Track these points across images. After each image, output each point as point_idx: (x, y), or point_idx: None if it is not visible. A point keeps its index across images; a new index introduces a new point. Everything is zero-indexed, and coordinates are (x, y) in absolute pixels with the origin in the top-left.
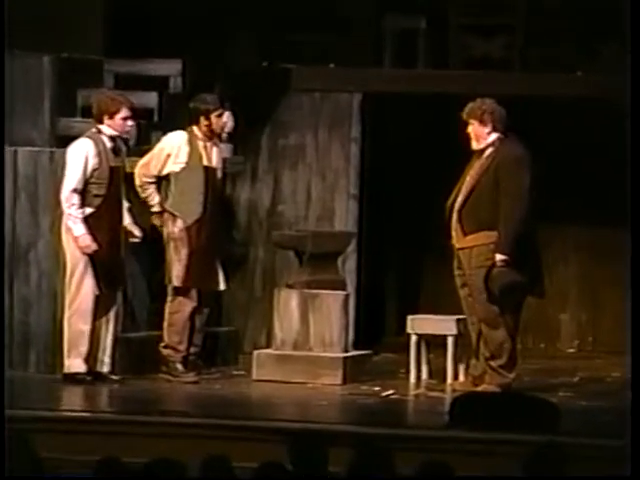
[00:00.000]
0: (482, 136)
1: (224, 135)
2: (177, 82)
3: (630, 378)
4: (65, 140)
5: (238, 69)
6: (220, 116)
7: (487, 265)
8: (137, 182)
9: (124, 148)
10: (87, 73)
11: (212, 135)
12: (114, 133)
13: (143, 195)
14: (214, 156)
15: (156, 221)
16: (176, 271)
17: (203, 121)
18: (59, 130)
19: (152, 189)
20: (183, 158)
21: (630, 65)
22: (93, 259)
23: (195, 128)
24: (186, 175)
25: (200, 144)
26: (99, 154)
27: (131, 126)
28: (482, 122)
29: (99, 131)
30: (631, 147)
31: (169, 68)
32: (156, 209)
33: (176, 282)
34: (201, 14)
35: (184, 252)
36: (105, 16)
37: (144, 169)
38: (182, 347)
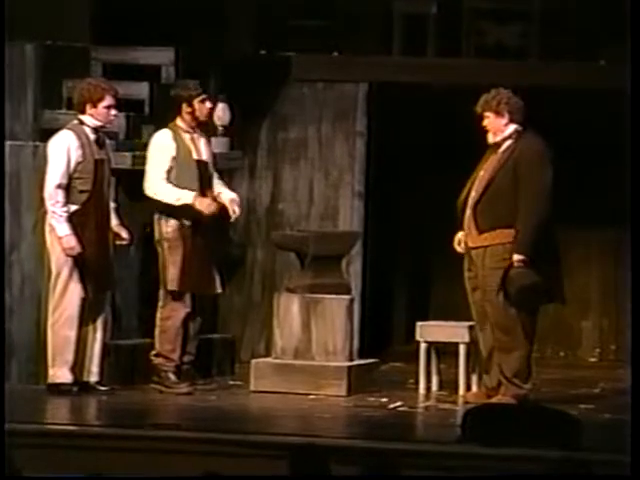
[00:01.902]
0: (499, 128)
1: (219, 129)
2: (169, 72)
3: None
4: (49, 133)
5: (234, 58)
6: (203, 102)
7: (501, 266)
8: (158, 194)
9: (108, 141)
10: (73, 62)
11: (197, 124)
12: (97, 123)
13: (172, 198)
14: (203, 148)
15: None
16: (171, 274)
17: (186, 108)
18: (43, 123)
19: (170, 187)
20: (173, 154)
21: (630, 64)
22: (80, 260)
23: (178, 120)
24: (178, 172)
25: (187, 137)
26: (82, 146)
27: (115, 115)
28: (498, 113)
29: (81, 122)
30: (631, 146)
31: (161, 57)
32: (191, 199)
33: (171, 286)
34: None
35: (179, 254)
36: (92, 1)
37: (153, 175)
38: (175, 356)
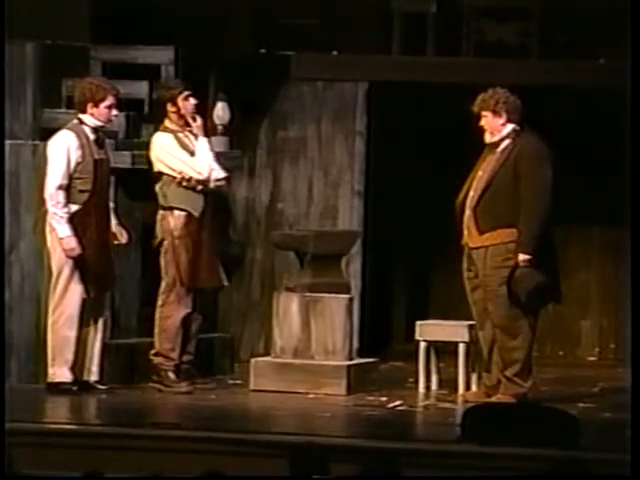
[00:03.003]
0: (497, 128)
1: (219, 128)
2: (169, 71)
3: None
4: (49, 132)
5: (234, 57)
6: (187, 99)
7: (505, 266)
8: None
9: (108, 140)
10: (72, 61)
11: (183, 122)
12: (98, 123)
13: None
14: (196, 145)
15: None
16: (179, 270)
17: (170, 108)
18: (42, 122)
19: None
20: (180, 154)
21: (630, 62)
22: (81, 260)
23: (166, 121)
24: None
25: (181, 136)
26: (82, 146)
27: (116, 115)
28: (496, 113)
29: (81, 122)
30: (631, 145)
31: (160, 56)
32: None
33: (185, 281)
34: None
35: (189, 248)
36: (92, 0)
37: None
38: (174, 355)
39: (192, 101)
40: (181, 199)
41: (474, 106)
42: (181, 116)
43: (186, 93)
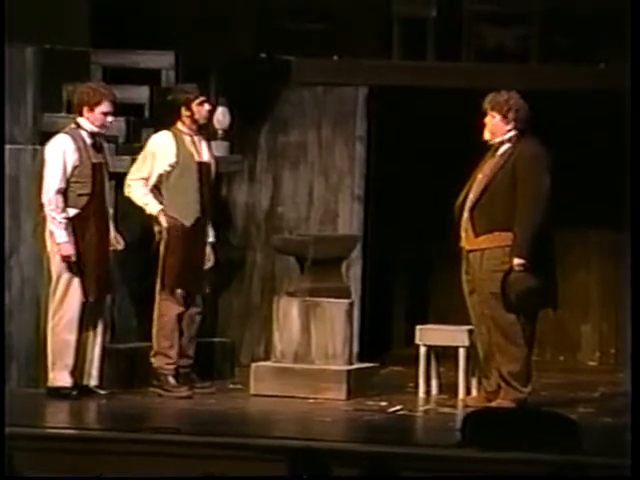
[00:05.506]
0: (500, 131)
1: (219, 132)
2: (169, 76)
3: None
4: (49, 137)
5: (234, 61)
6: (202, 104)
7: (500, 269)
8: (131, 194)
9: (107, 144)
10: (73, 66)
11: (196, 127)
12: (93, 128)
13: (140, 202)
14: (204, 151)
15: (161, 219)
16: (169, 274)
17: (184, 112)
18: (43, 126)
19: (144, 192)
20: (172, 158)
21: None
22: (80, 264)
23: (179, 124)
24: (179, 174)
25: (187, 139)
26: (78, 150)
27: (111, 122)
28: (505, 117)
29: (78, 125)
30: (631, 148)
31: (161, 60)
32: (155, 211)
33: (170, 285)
34: (195, 2)
35: (178, 254)
36: (92, 4)
37: (132, 176)
38: (173, 353)
39: (206, 107)
40: (175, 206)
41: (485, 102)
42: (194, 121)
43: (201, 99)
